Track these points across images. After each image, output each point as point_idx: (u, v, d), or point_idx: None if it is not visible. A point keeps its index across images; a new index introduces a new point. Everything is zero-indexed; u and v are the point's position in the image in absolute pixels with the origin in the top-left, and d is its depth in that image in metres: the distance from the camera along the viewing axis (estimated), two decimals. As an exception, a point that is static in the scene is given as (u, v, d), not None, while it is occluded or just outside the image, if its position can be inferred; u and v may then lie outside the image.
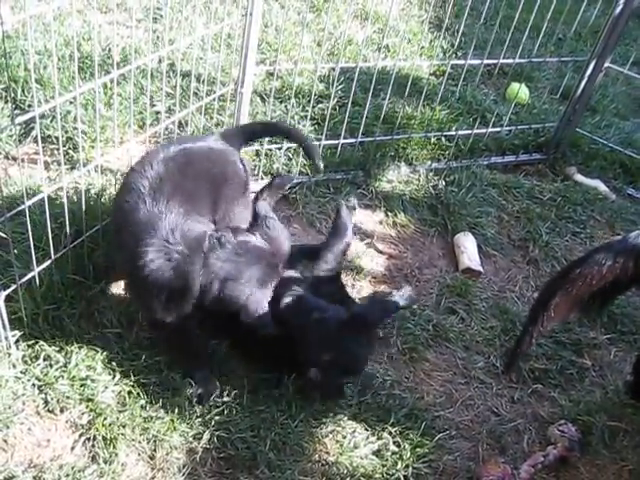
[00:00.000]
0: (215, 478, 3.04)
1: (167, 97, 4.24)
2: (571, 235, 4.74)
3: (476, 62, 4.82)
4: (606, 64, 4.90)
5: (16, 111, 4.18)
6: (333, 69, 5.12)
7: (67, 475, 2.90)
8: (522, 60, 4.95)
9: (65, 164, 3.28)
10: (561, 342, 3.94)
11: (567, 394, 3.72)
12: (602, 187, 5.21)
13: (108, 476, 2.93)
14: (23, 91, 4.41)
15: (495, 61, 4.87)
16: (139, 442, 3.08)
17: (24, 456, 2.96)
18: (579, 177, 5.24)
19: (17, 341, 3.27)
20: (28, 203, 3.13)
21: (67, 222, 3.36)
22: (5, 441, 2.98)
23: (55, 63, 2.97)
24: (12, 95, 4.28)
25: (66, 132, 4.20)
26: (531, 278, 4.39)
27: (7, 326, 3.22)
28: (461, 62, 4.83)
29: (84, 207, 3.46)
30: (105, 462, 2.97)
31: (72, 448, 3.03)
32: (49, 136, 4.22)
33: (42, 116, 4.08)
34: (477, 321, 3.99)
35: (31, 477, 2.87)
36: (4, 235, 3.26)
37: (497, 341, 3.90)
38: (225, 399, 3.27)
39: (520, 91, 5.38)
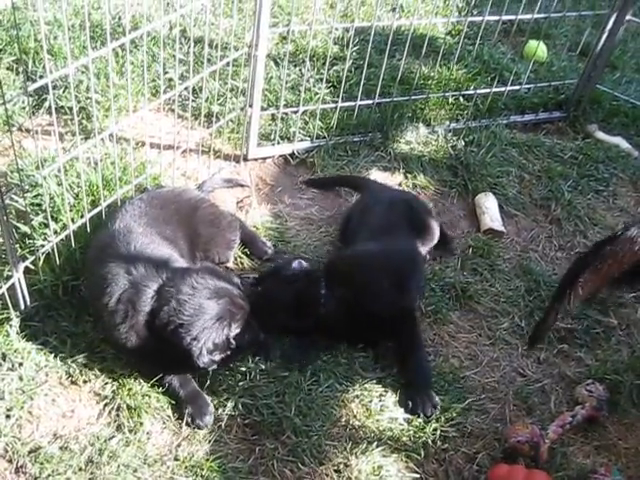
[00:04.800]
0: (241, 445, 3.03)
1: (180, 64, 4.17)
2: (594, 193, 4.67)
3: (494, 18, 4.71)
4: (627, 17, 4.78)
5: (27, 82, 4.14)
6: (347, 30, 5.06)
7: (93, 445, 2.89)
8: (540, 15, 4.84)
9: (79, 134, 3.23)
10: (586, 301, 3.87)
11: (593, 353, 3.68)
12: (624, 144, 5.12)
13: (134, 445, 2.92)
14: (34, 62, 4.36)
15: (513, 17, 4.75)
16: (164, 410, 3.07)
17: (49, 427, 2.96)
18: (600, 134, 5.15)
19: (37, 312, 3.26)
20: (44, 173, 3.09)
21: (84, 192, 3.32)
22: (30, 412, 2.98)
23: (67, 31, 2.90)
24: (24, 66, 4.24)
25: (79, 102, 4.16)
26: (554, 237, 4.33)
27: (27, 297, 3.21)
28: (478, 19, 4.74)
29: (101, 177, 3.43)
30: (130, 431, 2.97)
31: (97, 418, 3.02)
32: (62, 107, 4.19)
33: (54, 87, 4.04)
34: (501, 282, 3.94)
35: (57, 448, 2.87)
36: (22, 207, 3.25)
37: (521, 301, 3.85)
38: (250, 365, 3.24)
39: (538, 49, 5.27)
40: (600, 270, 3.08)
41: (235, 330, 3.01)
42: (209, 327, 2.92)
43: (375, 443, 3.08)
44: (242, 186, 4.15)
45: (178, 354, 2.94)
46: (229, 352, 3.02)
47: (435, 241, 3.91)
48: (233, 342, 3.00)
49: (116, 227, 3.23)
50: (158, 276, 3.02)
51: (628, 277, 3.14)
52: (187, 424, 3.05)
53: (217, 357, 2.98)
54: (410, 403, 3.24)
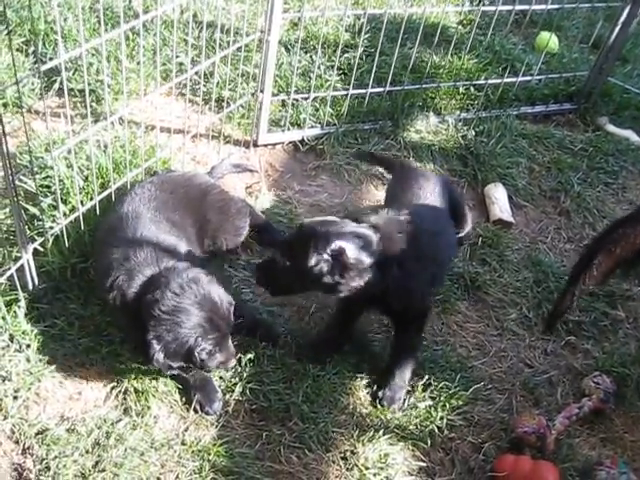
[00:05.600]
0: (248, 430, 3.03)
1: (191, 48, 4.16)
2: (603, 186, 4.66)
3: (506, 8, 4.68)
4: (641, 9, 4.76)
5: (38, 64, 4.13)
6: (359, 18, 5.02)
7: (100, 427, 2.90)
8: (554, 6, 4.82)
9: (90, 117, 3.23)
10: (594, 294, 3.87)
11: (601, 346, 3.68)
12: (634, 137, 5.10)
13: (141, 428, 2.93)
14: (44, 44, 4.34)
15: (526, 7, 4.73)
16: (171, 395, 3.07)
17: (56, 409, 2.96)
18: (611, 127, 5.13)
19: (45, 294, 3.25)
20: (54, 154, 3.08)
21: (94, 174, 3.32)
22: (37, 394, 2.98)
23: (80, 12, 2.89)
24: (34, 47, 4.22)
25: (89, 84, 4.14)
26: (563, 229, 4.32)
27: (35, 279, 3.21)
28: (491, 9, 4.70)
29: (111, 159, 3.41)
30: (137, 415, 2.97)
31: (104, 401, 3.03)
32: (72, 89, 4.17)
33: (65, 69, 4.02)
34: (509, 272, 3.93)
35: (64, 430, 2.87)
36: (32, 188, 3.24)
37: (529, 292, 3.85)
38: (258, 351, 3.24)
39: (550, 40, 5.24)
40: (613, 252, 3.13)
41: (202, 347, 2.79)
42: (175, 332, 2.76)
43: (382, 431, 3.08)
44: (251, 171, 4.13)
45: None
46: (190, 365, 2.87)
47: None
48: (197, 356, 2.79)
49: (124, 210, 3.19)
50: (157, 264, 2.95)
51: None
52: (195, 411, 3.04)
53: (175, 364, 2.82)
54: (381, 394, 3.22)
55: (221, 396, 3.08)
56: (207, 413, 3.03)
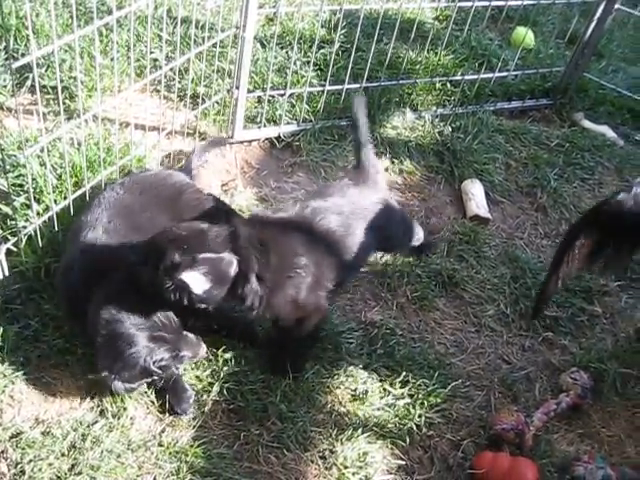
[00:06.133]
0: (225, 430, 3.00)
1: (165, 44, 4.12)
2: (579, 181, 4.67)
3: (483, 4, 4.68)
4: (616, 5, 4.78)
5: (9, 61, 4.06)
6: (335, 13, 5.00)
7: (76, 430, 2.86)
8: (530, 2, 4.83)
9: (63, 114, 3.19)
10: (571, 290, 3.88)
11: (578, 342, 3.69)
12: (610, 133, 5.12)
13: (117, 430, 2.89)
14: (16, 40, 4.27)
15: (502, 3, 4.72)
16: (147, 396, 3.04)
17: (31, 412, 2.92)
18: (587, 123, 5.15)
19: (19, 295, 3.20)
20: (27, 152, 3.03)
21: (67, 173, 3.27)
22: (11, 397, 2.94)
23: (52, 7, 2.84)
24: (5, 43, 4.15)
25: (62, 81, 4.08)
26: (540, 225, 4.33)
27: (8, 280, 3.15)
28: (467, 4, 4.69)
29: (85, 157, 3.37)
30: (114, 416, 2.94)
31: (80, 403, 2.98)
32: (44, 86, 4.10)
33: (37, 65, 3.96)
34: (486, 269, 3.93)
35: (39, 433, 2.83)
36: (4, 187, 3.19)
37: (507, 289, 3.84)
38: (235, 351, 3.22)
39: (526, 36, 5.24)
40: (594, 234, 3.13)
41: (157, 359, 2.76)
42: (121, 359, 2.73)
43: (360, 430, 3.07)
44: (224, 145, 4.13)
45: None
46: (153, 376, 2.85)
47: None
48: (156, 370, 2.77)
49: (85, 219, 3.10)
50: (94, 284, 2.85)
51: (623, 246, 3.17)
52: (169, 412, 3.02)
53: (136, 384, 2.84)
54: None
55: (191, 394, 3.04)
56: (177, 413, 3.00)
